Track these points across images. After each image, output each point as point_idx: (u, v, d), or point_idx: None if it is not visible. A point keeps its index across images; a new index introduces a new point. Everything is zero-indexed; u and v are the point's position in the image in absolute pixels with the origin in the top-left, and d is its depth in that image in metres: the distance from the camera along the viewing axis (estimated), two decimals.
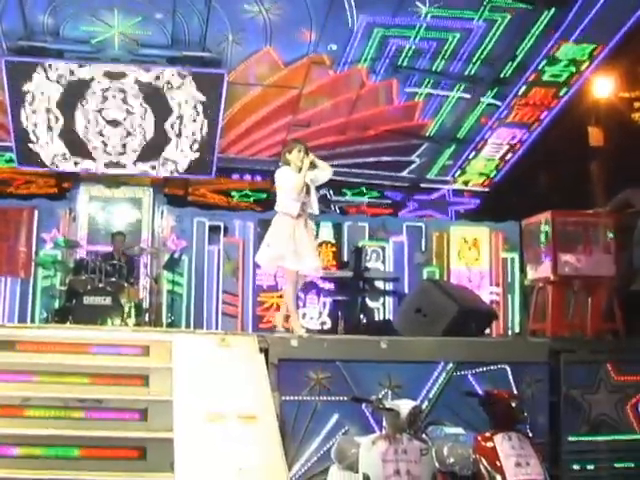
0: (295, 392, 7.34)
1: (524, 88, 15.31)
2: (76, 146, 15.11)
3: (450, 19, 14.32)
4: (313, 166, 8.66)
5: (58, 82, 14.67)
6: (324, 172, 8.78)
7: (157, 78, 14.73)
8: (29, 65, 14.46)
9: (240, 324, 15.19)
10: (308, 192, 8.70)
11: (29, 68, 14.47)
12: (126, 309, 12.80)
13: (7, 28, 14.08)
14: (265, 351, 7.35)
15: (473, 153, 16.66)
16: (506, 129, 16.18)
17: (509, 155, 16.77)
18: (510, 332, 15.63)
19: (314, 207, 8.74)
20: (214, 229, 15.55)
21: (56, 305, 13.95)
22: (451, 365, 7.78)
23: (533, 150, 16.54)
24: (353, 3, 14.00)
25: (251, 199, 16.87)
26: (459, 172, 17.07)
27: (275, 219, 8.75)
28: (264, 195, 16.58)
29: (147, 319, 13.80)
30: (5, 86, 14.55)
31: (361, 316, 14.32)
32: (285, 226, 8.60)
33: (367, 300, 15.08)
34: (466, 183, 17.28)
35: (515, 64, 14.85)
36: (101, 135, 15.09)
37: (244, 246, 15.58)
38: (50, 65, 14.51)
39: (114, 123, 15.01)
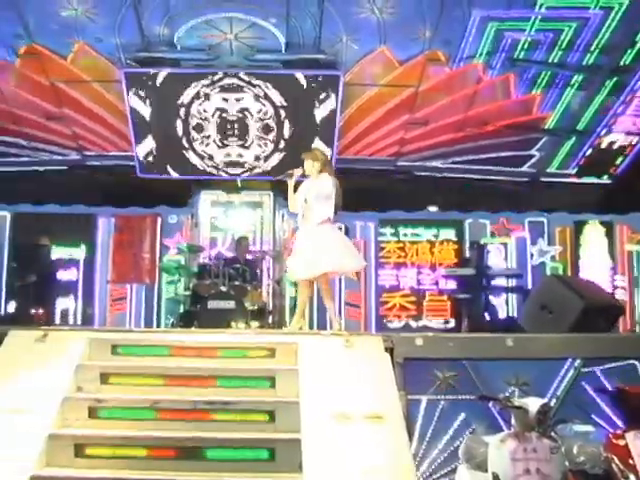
0: (421, 391, 7.29)
1: None
2: (196, 153, 15.37)
3: (565, 9, 13.96)
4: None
5: (176, 91, 14.95)
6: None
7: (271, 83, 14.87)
8: (148, 75, 14.76)
9: (363, 324, 15.18)
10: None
11: (148, 78, 14.77)
12: (250, 312, 12.91)
13: (125, 41, 14.36)
14: (390, 351, 7.31)
15: (594, 144, 16.21)
16: (628, 118, 15.69)
17: (632, 145, 16.25)
18: (638, 327, 15.20)
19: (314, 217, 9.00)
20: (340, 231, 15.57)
21: (181, 310, 14.19)
22: (579, 361, 7.59)
23: None
24: None
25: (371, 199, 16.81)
26: (580, 164, 16.63)
27: None
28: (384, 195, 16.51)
29: (271, 321, 13.89)
30: (126, 97, 14.91)
31: (485, 314, 14.13)
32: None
33: (490, 297, 14.86)
34: (588, 175, 16.82)
35: (634, 51, 14.38)
36: (222, 141, 15.29)
37: (365, 247, 15.59)
38: (167, 74, 14.79)
39: (234, 128, 15.18)
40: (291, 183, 9.19)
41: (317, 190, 9.03)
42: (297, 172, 9.22)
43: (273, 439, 6.42)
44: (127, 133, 15.41)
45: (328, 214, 8.99)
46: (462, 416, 7.25)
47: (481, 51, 14.54)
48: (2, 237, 15.92)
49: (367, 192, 15.46)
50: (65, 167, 16.36)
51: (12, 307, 15.44)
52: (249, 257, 14.26)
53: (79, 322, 15.58)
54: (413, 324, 15.80)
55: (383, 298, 15.78)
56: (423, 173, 16.46)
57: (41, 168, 16.34)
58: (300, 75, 14.80)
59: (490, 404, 7.02)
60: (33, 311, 14.50)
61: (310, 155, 9.33)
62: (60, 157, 16.22)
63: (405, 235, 16.20)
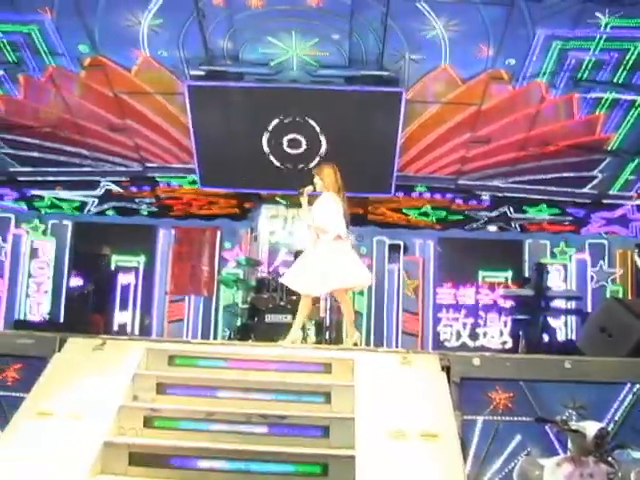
0: (477, 411, 7.21)
1: None
2: (257, 167, 15.45)
3: (631, 28, 13.79)
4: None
5: (236, 104, 15.05)
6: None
7: (335, 99, 14.89)
8: (211, 89, 14.88)
9: (420, 342, 15.11)
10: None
11: (211, 92, 14.90)
12: (307, 327, 12.90)
13: (189, 54, 14.47)
14: (447, 369, 7.26)
15: None
16: None
17: None
18: None
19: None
20: (394, 248, 15.56)
21: (238, 323, 14.24)
22: (638, 386, 7.45)
23: None
24: (531, 17, 13.70)
25: (431, 217, 16.76)
26: None
27: None
28: (444, 213, 16.46)
29: (328, 337, 13.87)
30: (189, 110, 15.04)
31: (543, 335, 13.96)
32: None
33: (549, 319, 14.68)
34: None
35: None
36: (283, 155, 15.35)
37: (424, 264, 15.56)
38: (230, 88, 14.90)
39: (296, 143, 15.24)
40: (304, 200, 9.28)
41: (319, 207, 9.17)
42: (308, 189, 9.33)
43: (327, 455, 6.40)
44: (189, 145, 15.54)
45: (336, 231, 9.05)
46: (518, 438, 7.15)
47: (545, 70, 14.41)
48: (63, 246, 16.15)
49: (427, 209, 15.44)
50: (127, 178, 16.55)
51: (72, 315, 15.64)
52: None
53: (136, 332, 15.74)
54: (470, 343, 15.69)
55: (441, 316, 15.69)
56: (483, 192, 16.36)
57: (103, 179, 16.55)
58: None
59: (547, 427, 6.93)
60: (91, 319, 14.70)
61: (316, 171, 9.48)
62: (122, 168, 16.40)
63: None
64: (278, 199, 16.36)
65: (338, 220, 9.12)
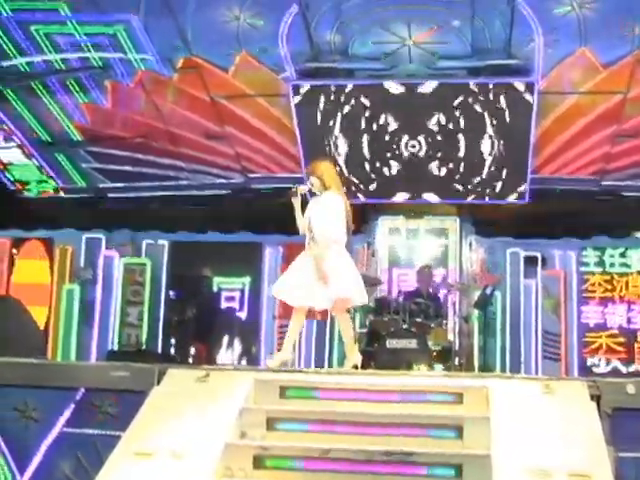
0: (634, 447, 7.02)
1: None
2: (371, 173, 15.47)
3: None
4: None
5: (347, 104, 15.10)
6: None
7: (459, 93, 14.79)
8: (318, 88, 14.97)
9: (564, 368, 14.87)
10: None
11: (318, 91, 14.98)
12: (434, 352, 12.85)
13: (293, 50, 14.58)
14: (597, 399, 7.10)
15: None
16: None
17: None
18: None
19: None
20: (530, 260, 15.36)
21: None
22: None
23: None
24: None
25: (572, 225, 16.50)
26: None
27: None
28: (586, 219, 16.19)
29: (457, 363, 13.78)
30: (294, 113, 15.13)
31: None
32: None
33: None
34: None
35: None
36: (401, 159, 15.33)
37: (566, 279, 15.29)
38: (339, 86, 14.96)
39: (415, 146, 15.20)
40: (297, 202, 9.15)
41: (319, 209, 9.04)
42: (302, 189, 9.20)
43: None
44: (295, 152, 15.64)
45: (335, 236, 8.93)
46: None
47: None
48: (160, 268, 16.43)
49: (566, 217, 15.19)
50: (228, 191, 16.74)
51: (170, 344, 15.90)
52: (433, 290, 14.21)
53: (243, 361, 15.88)
54: (623, 369, 15.35)
55: (587, 338, 15.40)
56: (632, 194, 16.02)
57: (201, 192, 16.79)
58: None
59: None
60: (193, 348, 14.89)
61: (312, 169, 9.35)
62: (222, 180, 16.62)
63: (612, 265, 15.77)
64: (397, 210, 16.32)
65: (339, 225, 8.98)
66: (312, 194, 9.34)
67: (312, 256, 8.94)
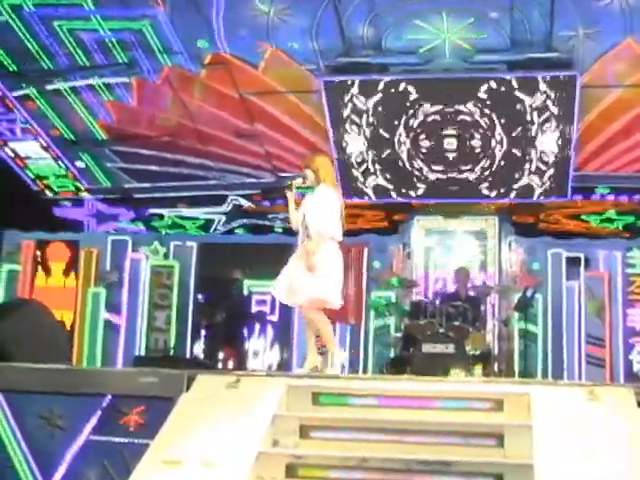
0: None
1: None
2: (403, 173, 15.45)
3: None
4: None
5: (380, 100, 15.06)
6: None
7: (496, 88, 14.73)
8: (351, 84, 14.94)
9: (609, 374, 14.77)
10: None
11: (350, 87, 14.96)
12: (472, 358, 12.81)
13: (324, 45, 14.58)
14: None
15: None
16: None
17: None
18: None
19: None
20: (573, 261, 15.28)
21: (391, 354, 14.24)
22: None
23: None
24: None
25: (616, 224, 16.42)
26: None
27: None
28: (631, 219, 16.10)
29: (496, 369, 13.73)
30: (326, 110, 15.12)
31: None
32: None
33: None
34: None
35: None
36: (437, 157, 15.28)
37: (610, 281, 15.19)
38: (372, 82, 14.93)
39: (452, 143, 15.15)
40: (291, 196, 9.12)
41: (314, 204, 8.97)
42: (297, 182, 9.18)
43: None
44: (328, 151, 15.61)
45: (331, 233, 8.88)
46: None
47: None
48: (188, 270, 16.46)
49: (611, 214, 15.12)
50: (258, 191, 16.75)
51: (199, 348, 15.92)
52: (471, 293, 14.17)
53: (274, 366, 15.89)
54: None
55: (634, 342, 15.30)
56: None
57: (231, 193, 16.82)
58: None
59: None
60: (222, 353, 14.90)
61: (308, 162, 9.31)
62: (252, 180, 16.64)
63: None
64: (433, 209, 16.29)
65: (335, 221, 8.93)
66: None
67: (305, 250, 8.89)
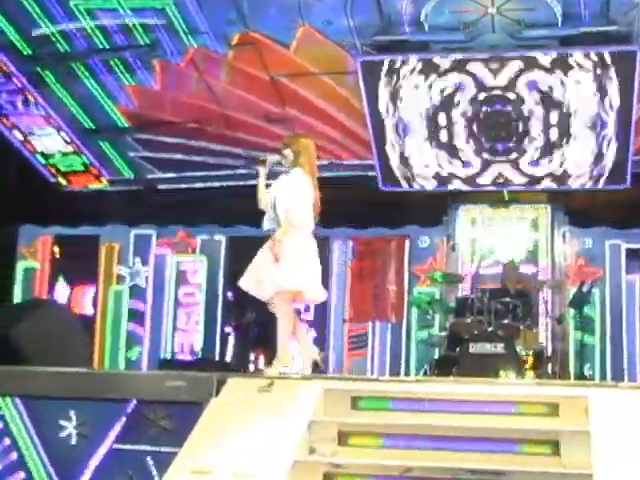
0: None
1: None
2: (449, 159, 15.40)
3: None
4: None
5: (422, 82, 15.02)
6: None
7: (550, 66, 14.64)
8: (390, 64, 14.90)
9: None
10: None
11: (389, 68, 14.92)
12: (523, 358, 12.77)
13: (360, 22, 14.51)
14: None
15: None
16: None
17: None
18: None
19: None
20: (633, 253, 15.19)
21: (436, 354, 14.22)
22: None
23: None
24: None
25: None
26: None
27: None
28: None
29: (550, 370, 13.68)
30: (363, 93, 15.08)
31: None
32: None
33: None
34: None
35: None
36: (481, 143, 15.23)
37: None
38: (413, 62, 14.88)
39: (499, 127, 15.09)
40: (262, 173, 9.17)
41: (285, 189, 9.03)
42: (272, 159, 9.20)
43: None
44: (365, 136, 15.61)
45: (303, 221, 8.93)
46: None
47: None
48: (217, 266, 16.47)
49: None
50: None
51: (229, 349, 15.94)
52: (521, 288, 14.10)
53: (310, 369, 15.89)
54: None
55: None
56: None
57: None
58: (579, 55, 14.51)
59: None
60: (253, 355, 14.92)
61: (290, 141, 9.34)
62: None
63: None
64: (479, 197, 16.23)
65: (306, 209, 8.96)
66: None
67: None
